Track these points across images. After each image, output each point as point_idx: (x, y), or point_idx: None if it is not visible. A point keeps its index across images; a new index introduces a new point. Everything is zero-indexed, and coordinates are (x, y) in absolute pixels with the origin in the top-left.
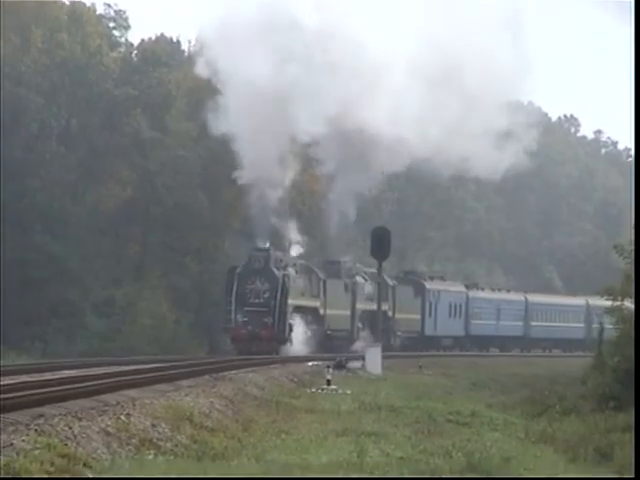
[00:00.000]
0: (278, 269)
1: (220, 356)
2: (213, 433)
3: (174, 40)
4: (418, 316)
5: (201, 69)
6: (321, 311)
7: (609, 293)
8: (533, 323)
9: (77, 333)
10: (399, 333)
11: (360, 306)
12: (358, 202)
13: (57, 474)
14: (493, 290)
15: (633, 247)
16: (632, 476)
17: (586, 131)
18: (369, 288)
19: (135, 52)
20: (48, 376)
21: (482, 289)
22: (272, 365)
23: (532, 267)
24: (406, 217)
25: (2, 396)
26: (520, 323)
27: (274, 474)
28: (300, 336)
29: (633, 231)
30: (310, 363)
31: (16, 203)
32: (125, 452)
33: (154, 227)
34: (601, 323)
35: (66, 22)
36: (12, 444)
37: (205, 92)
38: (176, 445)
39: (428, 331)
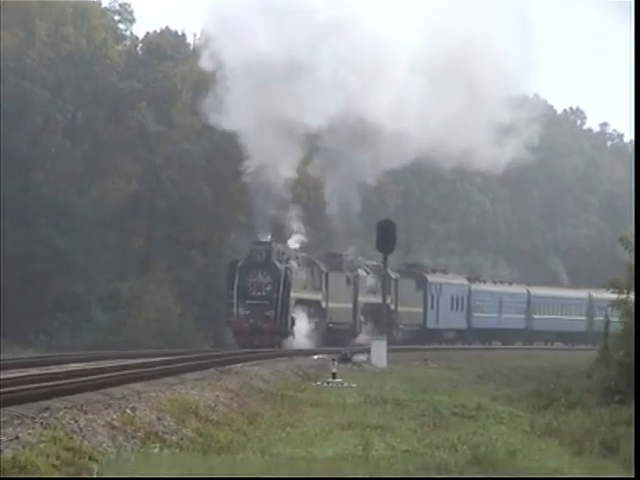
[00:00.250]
0: (280, 262)
1: (225, 349)
2: (218, 426)
3: (179, 33)
4: (420, 309)
5: (205, 62)
6: (323, 304)
7: (614, 286)
8: (535, 316)
9: (82, 326)
10: (401, 326)
11: (362, 299)
12: (362, 194)
13: (63, 467)
14: (495, 283)
15: (633, 245)
16: (632, 476)
17: (592, 124)
18: (371, 281)
19: (140, 45)
20: (54, 369)
21: (484, 282)
22: (277, 358)
23: (537, 260)
24: (410, 210)
25: (8, 389)
26: (522, 316)
27: (279, 467)
28: (302, 329)
29: (633, 231)
30: (315, 356)
31: (21, 196)
32: (130, 445)
33: (159, 220)
34: (607, 316)
35: (71, 15)
36: (18, 437)
37: (210, 85)
38: (181, 438)
39: (430, 324)
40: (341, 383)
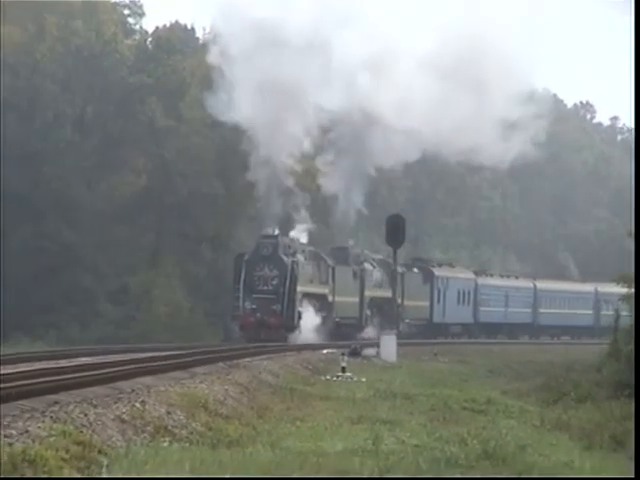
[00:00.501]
0: (287, 256)
1: (235, 343)
2: (228, 420)
3: (189, 27)
4: (427, 303)
5: (214, 58)
6: (330, 298)
7: (624, 280)
8: (542, 310)
9: (92, 320)
10: (407, 320)
11: (368, 293)
12: (367, 187)
13: (72, 461)
14: (502, 277)
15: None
16: (632, 476)
17: (602, 118)
18: (377, 275)
19: (150, 39)
20: (63, 363)
21: (491, 275)
22: (286, 352)
23: (547, 254)
24: (420, 204)
25: (18, 383)
26: (529, 310)
27: (289, 461)
28: (309, 324)
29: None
30: (325, 350)
31: (31, 191)
32: (140, 439)
33: (169, 215)
34: (617, 310)
35: (81, 10)
36: (28, 431)
37: (217, 76)
38: (191, 432)
39: (436, 318)
40: (351, 377)
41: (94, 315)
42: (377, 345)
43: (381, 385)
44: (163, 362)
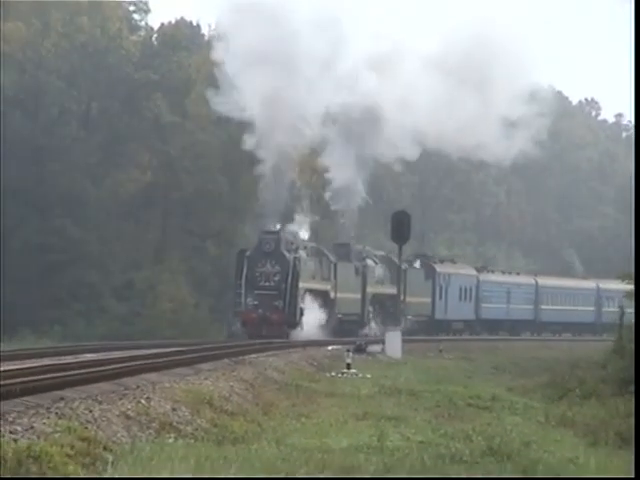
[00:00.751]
0: (289, 252)
1: (238, 340)
2: (233, 417)
3: (194, 24)
4: (429, 299)
5: (218, 54)
6: (332, 294)
7: (630, 277)
8: (543, 306)
9: (97, 316)
10: (409, 317)
11: (370, 289)
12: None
13: (77, 457)
14: (504, 273)
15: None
16: (632, 476)
17: (607, 115)
18: (379, 271)
19: (155, 36)
20: (68, 359)
21: (492, 272)
22: (291, 349)
23: (552, 251)
24: (426, 200)
25: (23, 379)
26: (530, 306)
27: (294, 458)
28: (311, 320)
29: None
30: (330, 347)
31: (36, 187)
32: (145, 436)
33: (174, 211)
34: (621, 307)
35: (86, 5)
36: (33, 427)
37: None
38: (196, 429)
39: (438, 315)
40: (356, 374)
41: (99, 311)
42: (382, 342)
43: (386, 381)
44: (168, 358)
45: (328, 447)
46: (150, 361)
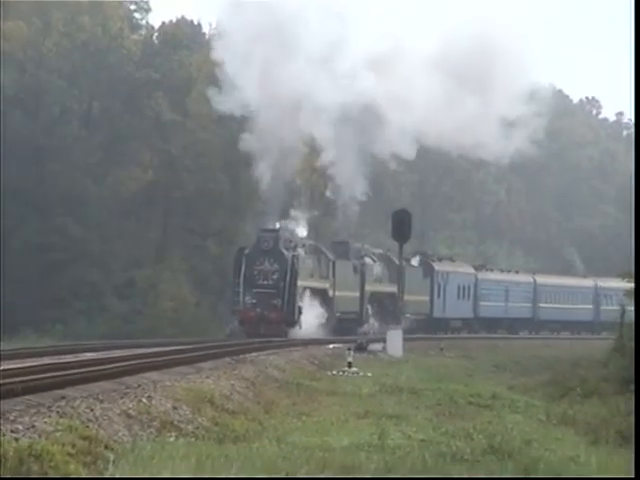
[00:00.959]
0: (287, 250)
1: (240, 338)
2: (234, 415)
3: (195, 23)
4: (427, 298)
5: (218, 51)
6: (330, 293)
7: (630, 275)
8: (541, 305)
9: (98, 315)
10: (408, 315)
11: (369, 288)
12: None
13: (78, 456)
14: (502, 271)
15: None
16: (632, 476)
17: (607, 113)
18: (378, 269)
19: (156, 35)
20: (70, 358)
21: (491, 270)
22: (292, 347)
23: (552, 250)
24: (426, 199)
25: (25, 378)
26: (529, 305)
27: (295, 456)
28: (309, 319)
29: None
30: (331, 345)
31: (37, 186)
32: (146, 434)
33: (175, 210)
34: (622, 305)
35: (87, 5)
36: (34, 426)
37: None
38: (197, 427)
39: (437, 313)
40: (357, 372)
41: (100, 310)
42: (383, 340)
43: (387, 380)
44: (169, 357)
45: (329, 446)
46: (151, 360)
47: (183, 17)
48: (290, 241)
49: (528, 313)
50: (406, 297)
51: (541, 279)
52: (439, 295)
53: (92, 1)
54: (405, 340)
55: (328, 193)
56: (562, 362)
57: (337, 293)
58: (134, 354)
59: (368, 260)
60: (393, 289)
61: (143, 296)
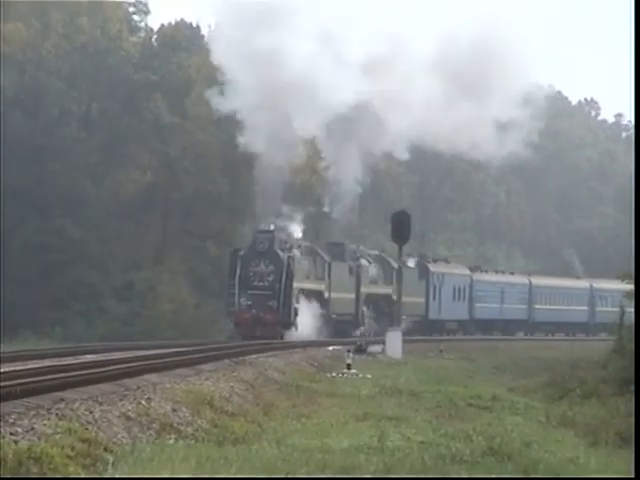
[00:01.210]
0: (283, 251)
1: (239, 340)
2: (234, 417)
3: (194, 25)
4: (422, 299)
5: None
6: (326, 294)
7: (629, 277)
8: (537, 306)
9: (97, 317)
10: (404, 317)
11: (364, 289)
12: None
13: (78, 458)
14: (497, 273)
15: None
16: (632, 476)
17: (606, 115)
18: (373, 271)
19: (155, 37)
20: (69, 361)
21: (486, 272)
22: (292, 349)
23: (552, 251)
24: (426, 200)
25: (24, 380)
26: (524, 306)
27: (294, 458)
28: (305, 320)
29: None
30: (330, 347)
31: (36, 187)
32: (146, 437)
33: (174, 211)
34: (621, 307)
35: (86, 6)
36: (33, 428)
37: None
38: (197, 430)
39: (432, 315)
40: (356, 374)
41: (99, 311)
42: (382, 342)
43: (386, 382)
44: (168, 359)
45: (329, 447)
46: (150, 362)
47: (182, 19)
48: (285, 242)
49: (523, 315)
50: (402, 299)
51: (536, 280)
52: (435, 297)
53: (91, 3)
54: (404, 342)
55: (325, 193)
56: (561, 363)
57: (333, 295)
58: (133, 356)
59: (363, 261)
60: (388, 291)
61: (142, 298)
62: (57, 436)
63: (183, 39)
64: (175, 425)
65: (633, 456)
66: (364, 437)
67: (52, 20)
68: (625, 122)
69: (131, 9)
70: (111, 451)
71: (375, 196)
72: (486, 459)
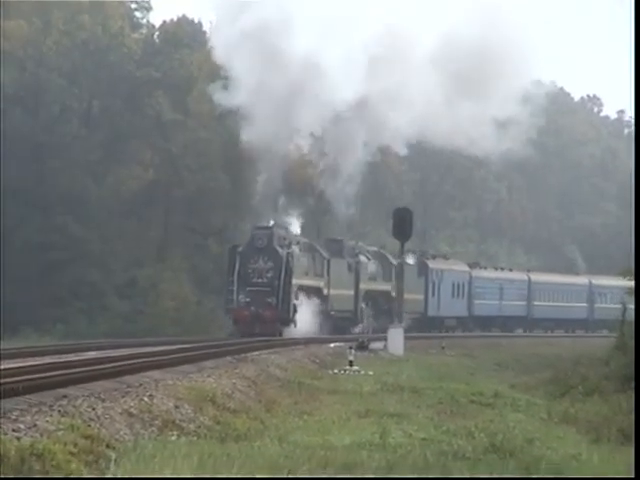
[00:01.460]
0: (282, 247)
1: (239, 337)
2: (236, 414)
3: (195, 21)
4: (421, 296)
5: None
6: (325, 291)
7: (630, 273)
8: (536, 303)
9: (99, 314)
10: (403, 314)
11: (363, 286)
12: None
13: (80, 455)
14: (496, 269)
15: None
16: (632, 476)
17: (609, 111)
18: (372, 267)
19: (157, 34)
20: (71, 357)
21: (485, 268)
22: (294, 346)
23: (553, 248)
24: (427, 197)
25: (26, 377)
26: (523, 303)
27: (297, 455)
28: (304, 317)
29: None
30: (332, 344)
31: (38, 185)
32: (148, 433)
33: (176, 209)
34: (623, 304)
35: (87, 3)
36: (36, 425)
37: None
38: (199, 426)
39: (431, 311)
40: (358, 371)
41: (101, 309)
42: (384, 339)
43: (388, 379)
44: (171, 356)
45: (330, 444)
46: (153, 359)
47: (184, 16)
48: (284, 238)
49: (522, 311)
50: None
51: (535, 277)
52: (434, 293)
53: (93, 0)
54: (406, 339)
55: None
56: (563, 360)
57: (332, 291)
58: (135, 353)
59: (362, 258)
60: (387, 287)
61: (144, 295)
62: (59, 433)
63: (185, 36)
64: (177, 422)
65: (633, 456)
66: (366, 434)
67: (53, 17)
68: (627, 118)
69: (133, 6)
70: (113, 448)
71: (377, 193)
72: (488, 456)
